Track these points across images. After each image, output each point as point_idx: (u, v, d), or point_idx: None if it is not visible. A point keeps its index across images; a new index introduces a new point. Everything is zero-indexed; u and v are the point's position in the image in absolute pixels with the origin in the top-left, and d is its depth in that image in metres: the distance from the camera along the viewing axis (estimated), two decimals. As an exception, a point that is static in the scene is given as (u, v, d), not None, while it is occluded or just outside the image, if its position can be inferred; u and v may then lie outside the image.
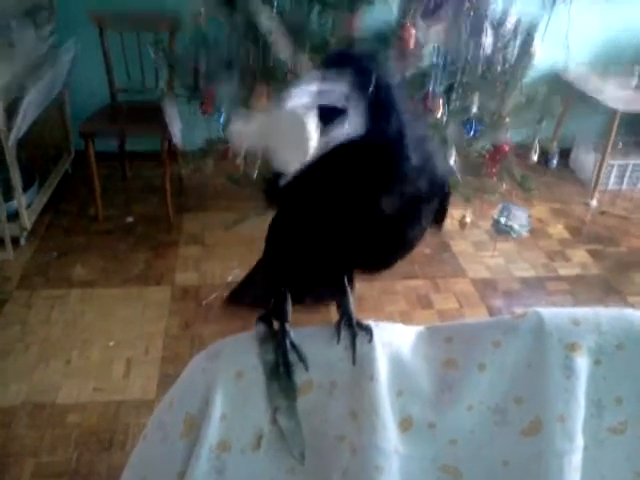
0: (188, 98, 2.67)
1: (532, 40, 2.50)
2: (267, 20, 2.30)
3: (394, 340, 0.90)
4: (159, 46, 2.81)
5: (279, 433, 0.84)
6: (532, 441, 0.82)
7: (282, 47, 2.33)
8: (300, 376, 0.85)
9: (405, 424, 0.84)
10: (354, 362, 0.84)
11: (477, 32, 2.45)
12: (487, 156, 2.66)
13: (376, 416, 0.82)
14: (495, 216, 2.67)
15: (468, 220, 2.73)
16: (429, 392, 0.86)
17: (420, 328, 0.94)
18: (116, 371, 2.14)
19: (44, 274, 2.61)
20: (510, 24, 2.49)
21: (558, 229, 3.16)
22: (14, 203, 2.70)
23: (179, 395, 0.90)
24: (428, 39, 2.38)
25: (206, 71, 2.58)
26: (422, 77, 2.54)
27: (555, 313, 0.89)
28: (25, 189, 2.77)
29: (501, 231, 2.68)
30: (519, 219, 2.68)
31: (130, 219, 3.04)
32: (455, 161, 2.53)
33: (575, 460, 0.82)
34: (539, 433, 0.82)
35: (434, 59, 2.46)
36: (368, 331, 0.87)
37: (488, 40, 2.46)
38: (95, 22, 3.01)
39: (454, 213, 3.06)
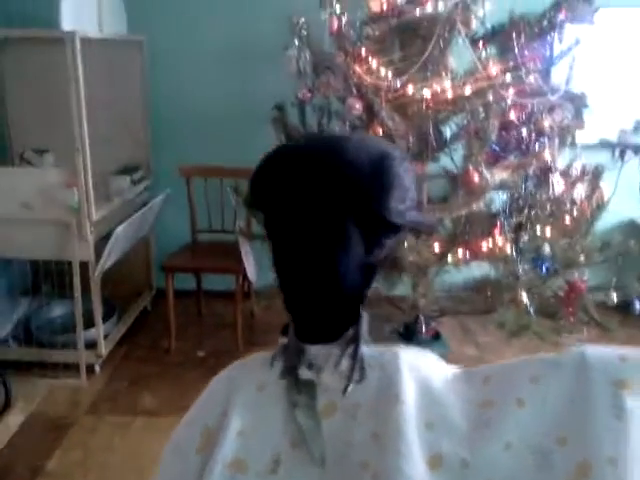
0: (263, 239, 2.81)
1: (599, 185, 2.53)
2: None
3: (422, 366, 0.85)
4: (239, 191, 3.04)
5: (297, 459, 0.78)
6: None
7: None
8: (322, 398, 0.82)
9: (434, 461, 0.76)
10: (344, 393, 0.81)
11: (543, 175, 2.52)
12: (562, 295, 2.59)
13: (402, 440, 0.75)
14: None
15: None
16: (462, 428, 0.78)
17: (456, 369, 0.88)
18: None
19: (113, 401, 2.65)
20: (576, 169, 2.55)
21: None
22: (93, 332, 2.82)
23: (198, 409, 0.87)
24: (494, 181, 2.44)
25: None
26: (490, 216, 2.59)
27: (599, 349, 0.82)
28: (105, 320, 2.91)
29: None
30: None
31: (201, 353, 3.09)
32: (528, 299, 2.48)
33: None
34: (588, 478, 0.71)
35: (501, 196, 2.52)
36: (362, 371, 0.83)
37: (556, 180, 2.52)
38: (184, 175, 3.29)
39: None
